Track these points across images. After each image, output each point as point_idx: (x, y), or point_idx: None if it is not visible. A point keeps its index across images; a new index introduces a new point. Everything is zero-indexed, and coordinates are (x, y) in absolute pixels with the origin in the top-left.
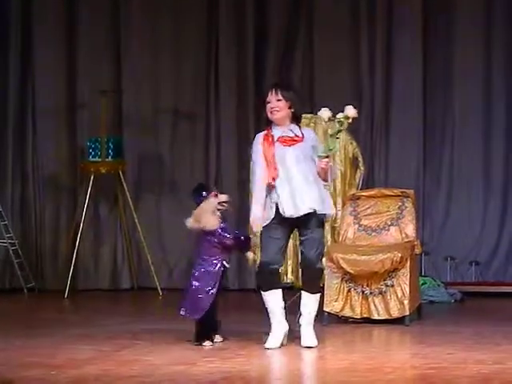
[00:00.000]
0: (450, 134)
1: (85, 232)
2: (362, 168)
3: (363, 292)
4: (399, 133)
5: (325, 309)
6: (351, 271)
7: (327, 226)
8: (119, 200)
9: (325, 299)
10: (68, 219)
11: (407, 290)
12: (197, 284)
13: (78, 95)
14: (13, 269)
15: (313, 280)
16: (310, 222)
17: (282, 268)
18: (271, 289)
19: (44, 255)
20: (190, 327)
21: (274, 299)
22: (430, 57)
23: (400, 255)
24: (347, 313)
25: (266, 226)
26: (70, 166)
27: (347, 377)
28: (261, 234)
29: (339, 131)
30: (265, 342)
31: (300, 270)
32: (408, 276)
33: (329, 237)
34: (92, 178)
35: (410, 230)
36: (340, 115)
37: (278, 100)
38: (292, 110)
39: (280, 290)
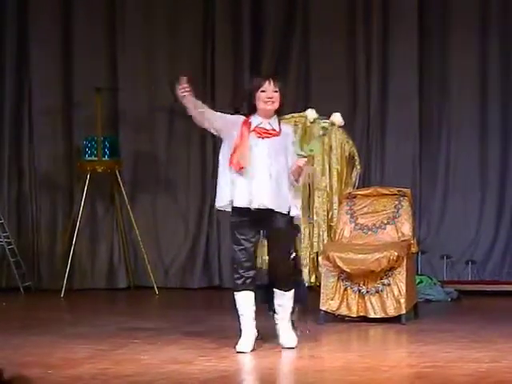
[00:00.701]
0: (446, 134)
1: (81, 231)
2: (358, 167)
3: (360, 291)
4: (395, 132)
5: (321, 307)
6: (347, 270)
7: (324, 225)
8: (115, 199)
9: (321, 298)
10: (64, 218)
11: (404, 288)
12: None
13: (73, 94)
14: (9, 268)
15: (285, 277)
16: (277, 220)
17: None
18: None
19: (40, 254)
20: (187, 326)
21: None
22: (426, 57)
23: (396, 254)
24: (343, 311)
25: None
26: (66, 165)
27: (343, 375)
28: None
29: (323, 135)
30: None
31: (269, 269)
32: (404, 275)
33: (325, 235)
34: (88, 176)
35: (407, 228)
36: (326, 121)
37: (275, 91)
38: (279, 104)
39: (252, 293)
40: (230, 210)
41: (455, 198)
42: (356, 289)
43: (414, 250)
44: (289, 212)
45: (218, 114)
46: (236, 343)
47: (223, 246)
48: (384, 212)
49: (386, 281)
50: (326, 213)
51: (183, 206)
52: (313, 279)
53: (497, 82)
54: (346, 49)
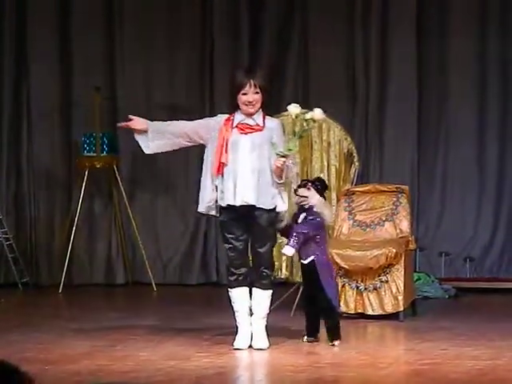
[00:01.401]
0: (445, 131)
1: (79, 227)
2: (356, 163)
3: (358, 287)
4: (394, 129)
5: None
6: (346, 266)
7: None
8: (114, 195)
9: None
10: (63, 214)
11: (402, 285)
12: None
13: (72, 91)
14: (7, 264)
15: (264, 274)
16: (260, 216)
17: (277, 263)
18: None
19: (39, 250)
20: (185, 323)
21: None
22: (425, 55)
23: (395, 251)
24: (341, 308)
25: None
26: (64, 161)
27: (341, 372)
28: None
29: (304, 131)
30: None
31: (253, 266)
32: (402, 272)
33: None
34: (87, 173)
35: (405, 225)
36: (307, 116)
37: (256, 93)
38: (264, 99)
39: (246, 289)
40: (212, 213)
41: (453, 195)
42: (354, 285)
43: (412, 247)
44: (274, 208)
45: (195, 122)
46: (234, 340)
47: (221, 242)
48: (382, 209)
49: (384, 278)
50: None
51: (181, 202)
52: None
53: (496, 82)
54: (345, 47)
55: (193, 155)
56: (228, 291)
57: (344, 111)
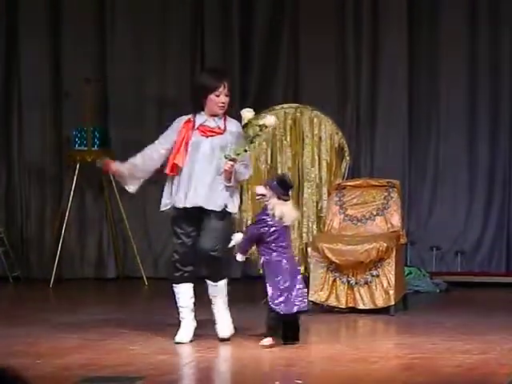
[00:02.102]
0: (436, 125)
1: (70, 221)
2: (347, 158)
3: (348, 282)
4: (385, 123)
5: (310, 298)
6: (336, 261)
7: (313, 216)
8: (105, 189)
9: (310, 289)
10: (53, 208)
11: (393, 279)
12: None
13: (63, 84)
14: None
15: (213, 268)
16: (210, 217)
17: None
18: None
19: (29, 244)
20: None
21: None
22: (416, 49)
23: (385, 245)
24: (332, 302)
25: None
26: (55, 155)
27: (332, 366)
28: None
29: (255, 136)
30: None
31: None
32: (393, 266)
33: (314, 226)
34: (78, 166)
35: (396, 220)
36: (260, 121)
37: (227, 95)
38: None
39: (191, 285)
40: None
41: (444, 189)
42: (345, 280)
43: (403, 241)
44: (223, 209)
45: (158, 142)
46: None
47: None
48: (373, 203)
49: (374, 272)
50: (315, 204)
51: None
52: (302, 270)
53: (486, 73)
54: (336, 40)
55: None
56: (172, 286)
57: (335, 106)
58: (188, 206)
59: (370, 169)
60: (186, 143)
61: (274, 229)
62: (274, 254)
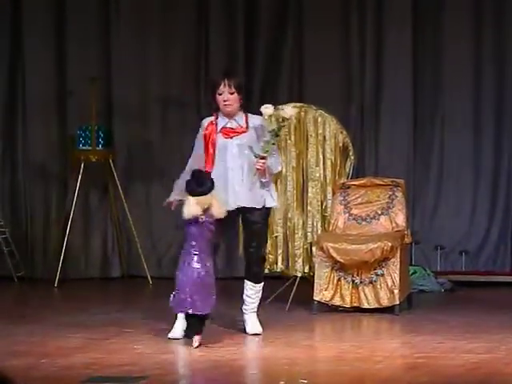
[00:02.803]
0: (440, 124)
1: (75, 220)
2: (352, 157)
3: (353, 281)
4: (389, 122)
5: (314, 298)
6: (341, 260)
7: (317, 215)
8: (109, 189)
9: (315, 288)
10: (58, 208)
11: (397, 279)
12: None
13: (67, 83)
14: (3, 257)
15: (259, 270)
16: (252, 215)
17: (272, 257)
18: None
19: (34, 244)
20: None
21: None
22: (420, 46)
23: (390, 244)
24: (337, 302)
25: None
26: (60, 155)
27: (337, 366)
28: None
29: (279, 129)
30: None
31: (245, 261)
32: (398, 265)
33: (319, 226)
34: (82, 166)
35: (400, 219)
36: (280, 114)
37: (231, 93)
38: (241, 100)
39: None
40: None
41: (449, 188)
42: (350, 279)
43: (407, 240)
44: (263, 206)
45: (194, 158)
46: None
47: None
48: (378, 202)
49: (379, 271)
50: (319, 203)
51: None
52: (306, 269)
53: (491, 69)
54: (340, 38)
55: (188, 150)
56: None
57: (339, 105)
58: (231, 208)
59: (374, 168)
60: (213, 145)
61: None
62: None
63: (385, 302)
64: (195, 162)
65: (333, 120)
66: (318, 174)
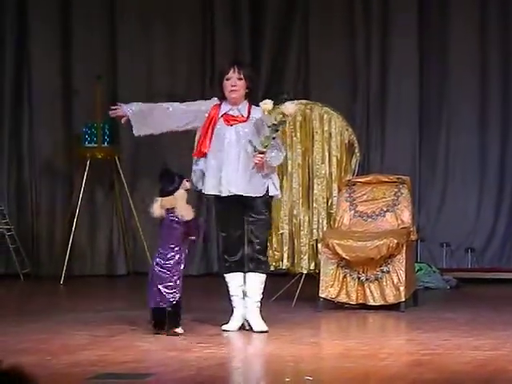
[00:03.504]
0: (446, 121)
1: (81, 218)
2: (357, 154)
3: (359, 278)
4: (395, 119)
5: (320, 295)
6: (347, 257)
7: (323, 212)
8: (115, 186)
9: (320, 285)
10: (64, 205)
11: (403, 276)
12: (170, 273)
13: (73, 81)
14: (8, 254)
15: (263, 259)
16: (254, 204)
17: (278, 254)
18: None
19: (40, 241)
20: (186, 313)
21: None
22: (426, 43)
23: (396, 241)
24: (343, 299)
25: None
26: (65, 152)
27: (342, 362)
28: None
29: (280, 125)
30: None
31: (249, 251)
32: (404, 262)
33: (325, 223)
34: (88, 163)
35: (406, 216)
36: (280, 110)
37: (239, 79)
38: (248, 89)
39: (237, 274)
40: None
41: (455, 185)
42: (355, 276)
43: (413, 237)
44: (266, 193)
45: (186, 104)
46: (235, 330)
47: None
48: (383, 199)
49: (385, 268)
50: (325, 200)
51: None
52: (312, 266)
53: (497, 66)
54: (346, 34)
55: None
56: (224, 277)
57: (345, 102)
58: (224, 194)
59: (380, 165)
60: (212, 128)
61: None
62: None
63: (390, 299)
64: (193, 105)
65: (338, 117)
66: (323, 171)
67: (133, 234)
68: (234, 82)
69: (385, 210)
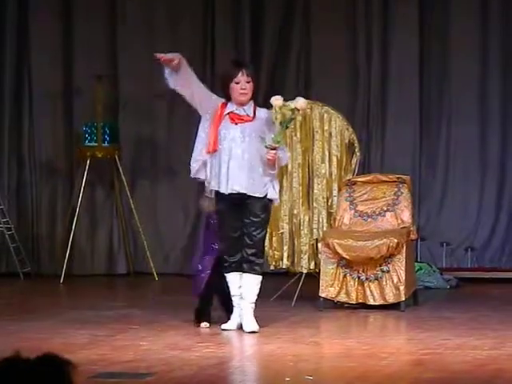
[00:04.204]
0: (446, 121)
1: (81, 217)
2: (358, 153)
3: (359, 277)
4: (395, 119)
5: (320, 294)
6: (347, 257)
7: (323, 212)
8: (115, 185)
9: (320, 285)
10: (64, 204)
11: (403, 275)
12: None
13: (74, 80)
14: (9, 253)
15: (259, 261)
16: (253, 204)
17: (278, 253)
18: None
19: (40, 240)
20: (186, 313)
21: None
22: (426, 43)
23: (396, 241)
24: (343, 298)
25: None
26: (66, 151)
27: (342, 362)
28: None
29: (290, 121)
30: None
31: (244, 252)
32: (404, 262)
33: (325, 222)
34: (88, 162)
35: (406, 215)
36: (291, 105)
37: (247, 82)
38: (253, 89)
39: (236, 274)
40: (201, 176)
41: (455, 185)
42: (355, 276)
43: (413, 237)
44: (266, 195)
45: (204, 86)
46: (235, 330)
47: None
48: (384, 199)
49: (385, 268)
50: (325, 200)
51: (183, 192)
52: (312, 266)
53: (497, 65)
54: (347, 34)
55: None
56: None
57: (345, 101)
58: (227, 192)
59: (380, 164)
60: (216, 129)
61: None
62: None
63: (390, 299)
64: (208, 93)
65: (339, 116)
66: (323, 171)
67: (133, 233)
68: (244, 86)
69: (385, 209)
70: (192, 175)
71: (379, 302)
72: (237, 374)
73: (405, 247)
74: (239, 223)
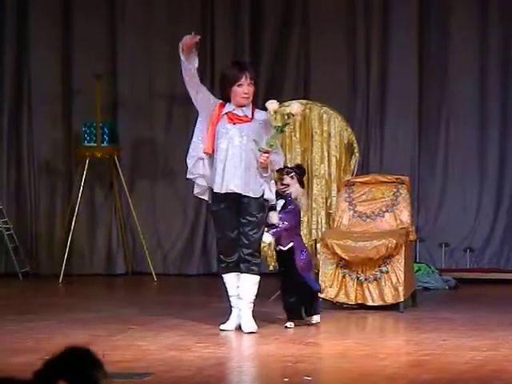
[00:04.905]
0: (445, 121)
1: (80, 217)
2: (357, 154)
3: (358, 278)
4: (394, 119)
5: (319, 295)
6: (346, 257)
7: (322, 212)
8: (114, 185)
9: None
10: (63, 204)
11: (402, 276)
12: None
13: (73, 80)
14: (7, 253)
15: (255, 260)
16: (249, 204)
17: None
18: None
19: (39, 240)
20: (185, 313)
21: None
22: (426, 44)
23: (395, 242)
24: (342, 299)
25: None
26: (65, 151)
27: (341, 363)
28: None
29: (284, 125)
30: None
31: (241, 252)
32: (403, 262)
33: (324, 223)
34: (87, 162)
35: (405, 216)
36: (286, 110)
37: (249, 85)
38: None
39: (234, 274)
40: (200, 182)
41: (454, 185)
42: (354, 276)
43: (412, 237)
44: (262, 195)
45: (205, 88)
46: (234, 330)
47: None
48: (382, 200)
49: (384, 268)
50: (324, 200)
51: (182, 192)
52: None
53: (497, 68)
54: (346, 36)
55: None
56: (222, 277)
57: (344, 102)
58: (223, 191)
59: (379, 165)
60: (214, 128)
61: (299, 215)
62: (300, 238)
63: (389, 299)
64: (207, 94)
65: (338, 117)
66: (322, 171)
67: (132, 234)
68: (247, 89)
69: (384, 210)
70: (188, 176)
71: (378, 302)
72: (235, 375)
73: (404, 248)
74: (236, 223)
